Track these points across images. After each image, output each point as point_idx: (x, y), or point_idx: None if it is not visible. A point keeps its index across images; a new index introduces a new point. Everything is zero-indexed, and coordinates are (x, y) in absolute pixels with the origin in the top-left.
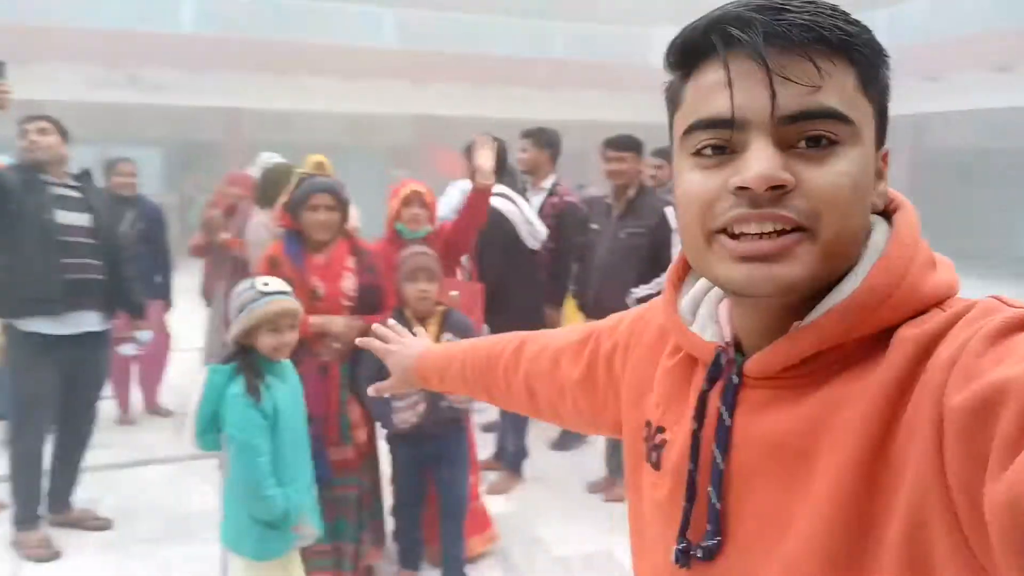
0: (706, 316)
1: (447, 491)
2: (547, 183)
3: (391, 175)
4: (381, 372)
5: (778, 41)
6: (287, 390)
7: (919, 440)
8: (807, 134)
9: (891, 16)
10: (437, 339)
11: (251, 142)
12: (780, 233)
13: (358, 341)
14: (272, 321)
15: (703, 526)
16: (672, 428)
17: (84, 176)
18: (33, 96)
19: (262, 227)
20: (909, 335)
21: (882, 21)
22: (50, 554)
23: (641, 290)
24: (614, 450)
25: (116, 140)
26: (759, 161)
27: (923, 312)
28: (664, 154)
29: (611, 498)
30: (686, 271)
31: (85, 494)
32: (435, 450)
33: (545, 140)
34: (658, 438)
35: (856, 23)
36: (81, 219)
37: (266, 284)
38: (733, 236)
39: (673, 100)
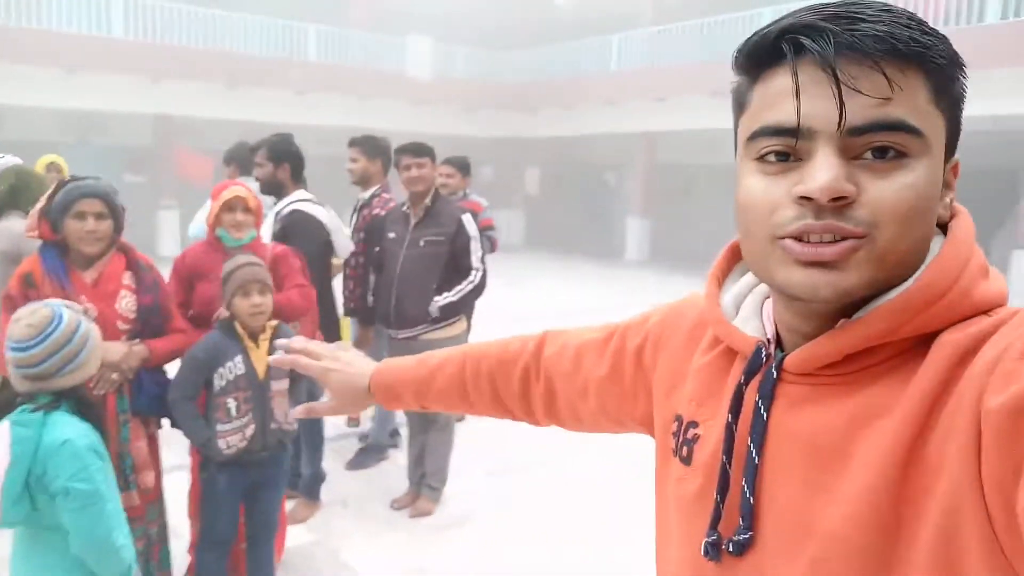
0: (751, 311)
1: (263, 518)
2: (367, 193)
3: (126, 180)
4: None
5: (850, 52)
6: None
7: (956, 442)
8: (874, 145)
9: (620, 41)
10: (268, 354)
11: None
12: (839, 241)
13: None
14: None
15: (735, 520)
16: (706, 423)
17: None
18: None
19: (8, 238)
20: (950, 339)
21: (614, 45)
22: None
23: (443, 298)
24: (416, 463)
25: None
26: (823, 172)
27: (969, 318)
28: (455, 163)
29: (416, 513)
30: (731, 266)
31: None
32: (258, 475)
33: (375, 149)
34: (690, 433)
35: (933, 33)
36: None
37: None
38: (799, 240)
39: (740, 103)
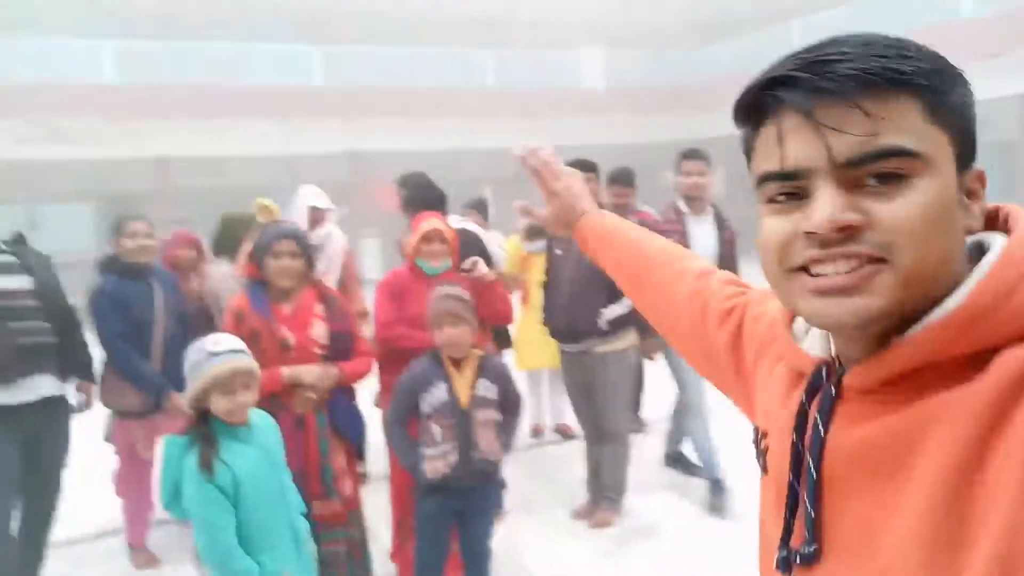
0: (819, 334)
1: (471, 545)
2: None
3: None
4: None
5: (825, 96)
6: (254, 454)
7: (1018, 461)
8: (873, 172)
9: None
10: (473, 386)
11: (182, 189)
12: (855, 269)
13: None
14: (224, 383)
15: (802, 534)
16: (771, 434)
17: (17, 240)
18: None
19: (227, 278)
20: (1013, 355)
21: (795, 32)
22: None
23: (611, 311)
24: (594, 474)
25: (42, 198)
26: (823, 207)
27: None
28: (619, 180)
29: (596, 524)
30: None
31: (54, 570)
32: (463, 504)
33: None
34: (763, 444)
35: (916, 54)
36: (21, 282)
37: (216, 343)
38: (811, 275)
39: (747, 152)
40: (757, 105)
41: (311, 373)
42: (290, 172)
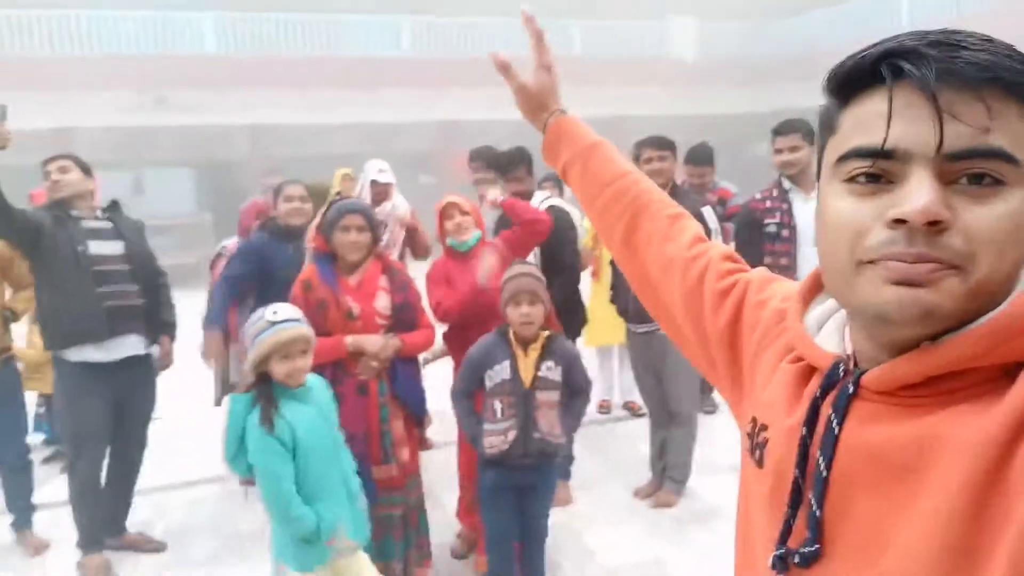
0: (833, 330)
1: (528, 522)
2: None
3: (421, 181)
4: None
5: (951, 79)
6: (311, 412)
7: None
8: (970, 171)
9: None
10: (538, 366)
11: (275, 157)
12: (932, 271)
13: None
14: (282, 349)
15: (803, 533)
16: (774, 427)
17: (113, 206)
18: (65, 124)
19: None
20: None
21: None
22: None
23: None
24: (659, 455)
25: (149, 163)
26: (921, 195)
27: None
28: (696, 159)
29: (658, 504)
30: (819, 288)
31: (139, 516)
32: (522, 480)
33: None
34: (761, 436)
35: None
36: (114, 247)
37: (275, 313)
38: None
39: (829, 125)
40: (863, 76)
41: (373, 343)
42: (381, 141)
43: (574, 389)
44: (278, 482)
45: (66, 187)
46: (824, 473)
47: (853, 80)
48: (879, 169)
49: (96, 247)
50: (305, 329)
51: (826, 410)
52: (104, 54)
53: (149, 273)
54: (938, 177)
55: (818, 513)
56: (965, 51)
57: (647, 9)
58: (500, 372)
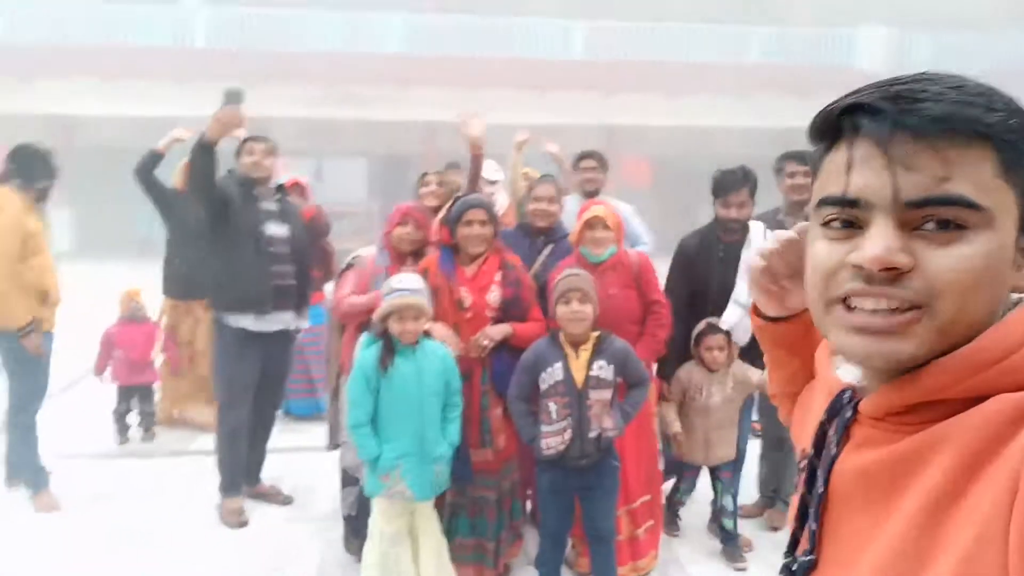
0: None
1: (592, 523)
2: None
3: None
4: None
5: (905, 132)
6: (409, 368)
7: (994, 493)
8: (933, 217)
9: None
10: (589, 366)
11: (445, 153)
12: (894, 311)
13: None
14: (397, 312)
15: (805, 545)
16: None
17: (281, 190)
18: (262, 114)
19: None
20: (1008, 396)
21: None
22: (240, 522)
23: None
24: (768, 477)
25: (328, 153)
26: (875, 243)
27: None
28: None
29: (771, 524)
30: None
31: (271, 472)
32: (580, 481)
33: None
34: (802, 464)
35: (1003, 108)
36: (282, 230)
37: (400, 281)
38: (849, 308)
39: (814, 170)
40: (833, 127)
41: (440, 332)
42: (538, 143)
43: (632, 382)
44: (355, 408)
45: (265, 169)
46: (821, 490)
47: (827, 129)
48: (849, 216)
49: (271, 228)
50: (418, 299)
51: (831, 434)
52: (299, 51)
53: (303, 255)
54: (901, 224)
55: (814, 527)
56: (923, 103)
57: (832, 17)
58: (553, 374)
